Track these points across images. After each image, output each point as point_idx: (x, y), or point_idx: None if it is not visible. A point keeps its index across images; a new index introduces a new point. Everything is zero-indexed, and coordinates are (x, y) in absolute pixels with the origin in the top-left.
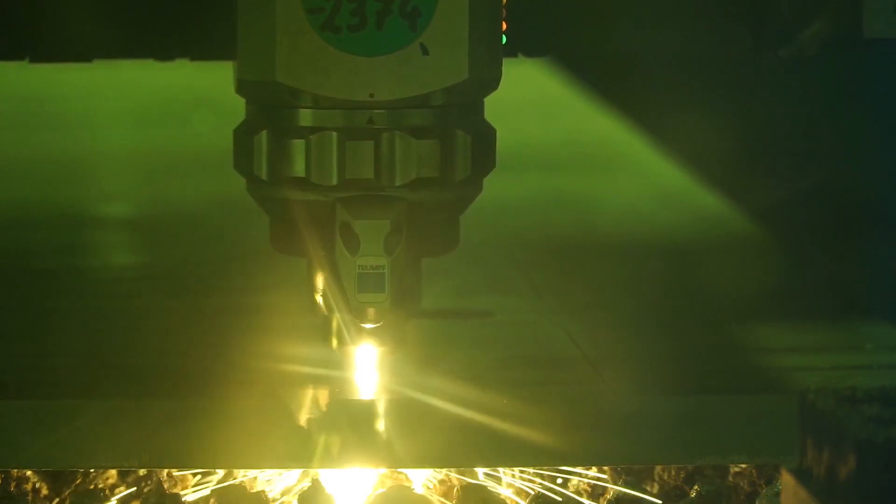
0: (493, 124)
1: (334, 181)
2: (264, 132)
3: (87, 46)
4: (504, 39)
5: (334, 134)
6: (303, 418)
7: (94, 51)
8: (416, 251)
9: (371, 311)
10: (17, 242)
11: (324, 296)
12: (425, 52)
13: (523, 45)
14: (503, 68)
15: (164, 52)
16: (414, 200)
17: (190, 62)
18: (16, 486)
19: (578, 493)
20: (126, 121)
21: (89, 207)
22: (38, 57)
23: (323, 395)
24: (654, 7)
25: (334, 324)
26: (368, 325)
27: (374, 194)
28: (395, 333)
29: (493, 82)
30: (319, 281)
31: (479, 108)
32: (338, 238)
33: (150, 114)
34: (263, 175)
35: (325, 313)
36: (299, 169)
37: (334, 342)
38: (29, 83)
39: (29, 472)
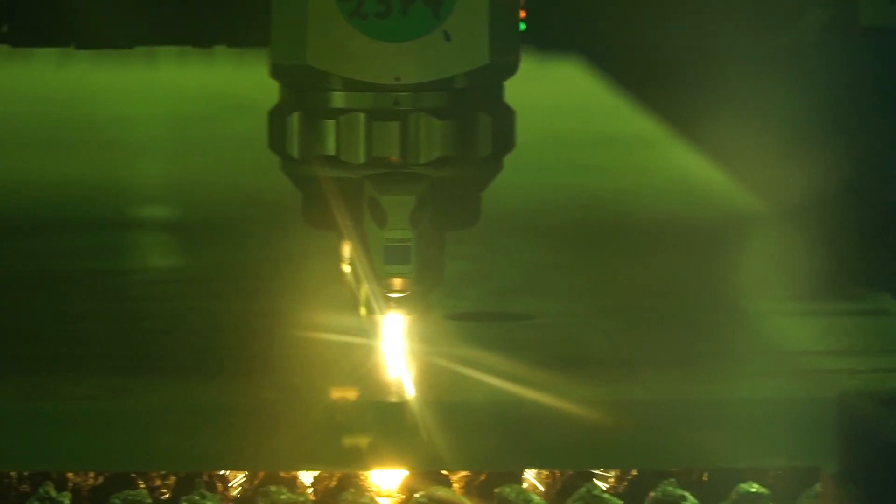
0: (529, 122)
1: (362, 159)
2: (296, 113)
3: (129, 33)
4: (523, 26)
5: (362, 115)
6: (341, 420)
7: (135, 38)
8: (440, 225)
9: (397, 282)
10: (52, 245)
11: (352, 267)
12: (448, 38)
13: (545, 37)
14: (527, 58)
15: (202, 39)
16: (437, 177)
17: (227, 48)
18: (56, 489)
19: (619, 495)
20: (163, 121)
21: (125, 209)
22: (82, 43)
23: (362, 396)
24: None
25: (362, 294)
26: (395, 295)
27: (400, 171)
28: (420, 302)
29: (512, 67)
30: (348, 253)
31: (499, 90)
32: (366, 213)
33: (186, 114)
34: (296, 154)
35: (354, 284)
36: (329, 148)
37: (363, 311)
38: (65, 85)
39: (70, 475)
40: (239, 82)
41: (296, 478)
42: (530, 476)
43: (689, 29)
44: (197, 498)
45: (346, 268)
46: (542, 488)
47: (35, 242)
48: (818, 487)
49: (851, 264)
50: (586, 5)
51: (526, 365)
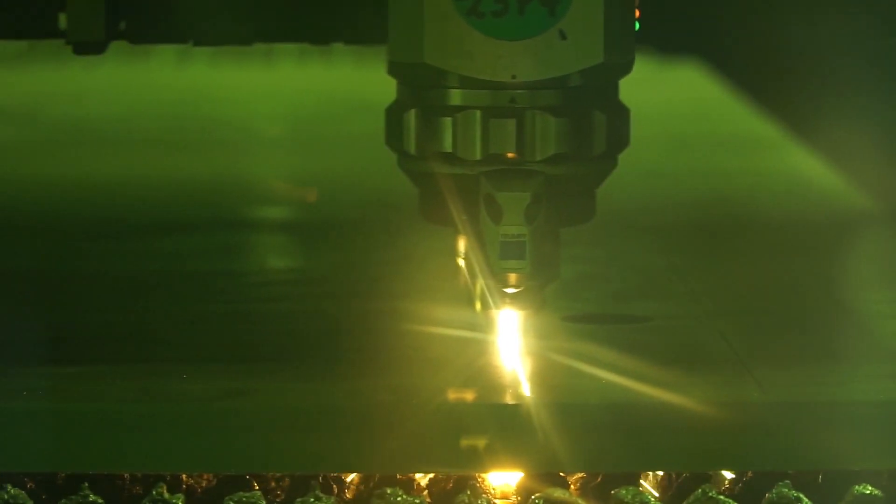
0: (646, 123)
1: (478, 156)
2: (413, 111)
3: (247, 30)
4: (638, 26)
5: (479, 112)
6: (457, 421)
7: (253, 35)
8: (555, 221)
9: (512, 277)
10: (169, 246)
11: (468, 263)
12: (563, 37)
13: (661, 37)
14: (643, 58)
15: (320, 36)
16: (552, 174)
17: (345, 46)
18: (170, 490)
19: (734, 496)
20: (280, 119)
21: (242, 209)
22: (201, 40)
23: (478, 397)
24: None
25: (477, 289)
26: (510, 290)
27: (516, 168)
28: (535, 298)
29: (626, 66)
30: (463, 249)
31: (614, 89)
32: (482, 209)
33: (304, 111)
34: (413, 150)
35: (469, 280)
36: (446, 145)
37: (478, 307)
38: (183, 83)
39: (184, 476)
40: (356, 80)
41: (412, 480)
42: (646, 478)
43: (804, 30)
44: (312, 500)
45: (462, 263)
46: (657, 491)
47: (153, 243)
48: None
49: None
50: (701, 6)
51: (642, 366)
